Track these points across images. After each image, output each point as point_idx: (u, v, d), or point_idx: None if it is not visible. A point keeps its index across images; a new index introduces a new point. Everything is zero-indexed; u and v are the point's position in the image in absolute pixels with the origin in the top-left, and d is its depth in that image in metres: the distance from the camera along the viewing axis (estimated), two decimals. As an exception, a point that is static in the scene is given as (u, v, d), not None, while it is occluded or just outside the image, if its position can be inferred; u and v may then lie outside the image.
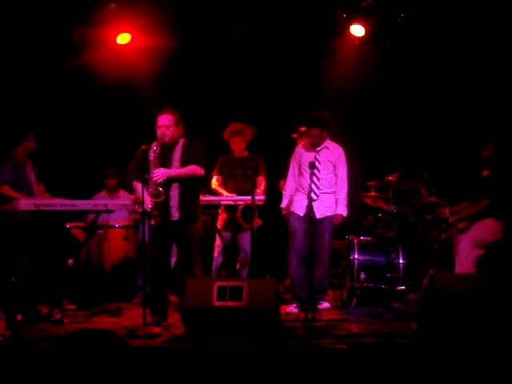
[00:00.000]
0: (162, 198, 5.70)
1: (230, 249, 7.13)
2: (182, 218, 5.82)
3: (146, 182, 5.74)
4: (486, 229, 6.47)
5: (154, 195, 5.69)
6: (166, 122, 5.78)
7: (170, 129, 5.79)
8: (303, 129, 6.72)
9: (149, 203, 5.72)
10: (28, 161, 7.14)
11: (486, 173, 6.65)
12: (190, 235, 5.90)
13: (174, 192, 5.79)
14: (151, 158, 5.74)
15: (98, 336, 3.97)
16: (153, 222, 5.78)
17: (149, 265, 5.97)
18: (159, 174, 5.69)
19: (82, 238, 7.17)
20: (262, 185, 7.06)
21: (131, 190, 6.54)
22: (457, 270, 6.37)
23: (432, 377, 4.55)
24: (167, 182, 5.76)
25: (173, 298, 6.63)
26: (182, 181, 5.80)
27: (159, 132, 5.78)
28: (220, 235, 7.10)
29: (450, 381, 4.54)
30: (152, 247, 5.94)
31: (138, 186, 5.89)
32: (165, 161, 5.79)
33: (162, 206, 5.75)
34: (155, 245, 5.90)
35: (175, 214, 5.80)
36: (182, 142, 5.90)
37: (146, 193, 5.73)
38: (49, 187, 7.42)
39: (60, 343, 3.94)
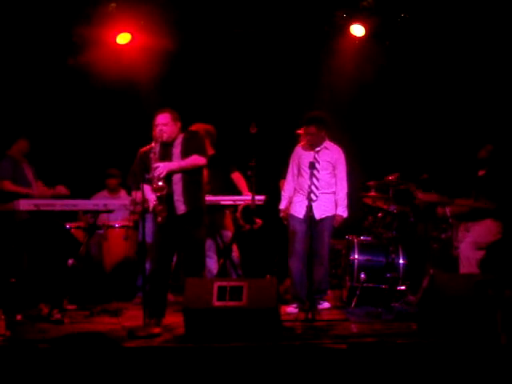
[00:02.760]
0: (165, 191, 5.62)
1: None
2: (189, 212, 5.70)
3: (148, 182, 5.71)
4: (484, 231, 6.48)
5: (156, 189, 5.61)
6: (163, 120, 5.75)
7: (168, 126, 5.74)
8: (301, 129, 6.72)
9: (152, 200, 5.67)
10: (24, 160, 7.17)
11: (481, 172, 6.67)
12: (197, 234, 5.77)
13: (177, 185, 5.70)
14: (151, 155, 5.68)
15: (91, 339, 3.98)
16: (159, 219, 5.64)
17: (151, 264, 5.95)
18: (160, 167, 5.62)
19: (82, 238, 7.17)
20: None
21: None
22: None
23: (432, 377, 4.55)
24: (169, 176, 5.68)
25: (171, 298, 6.64)
26: (185, 173, 5.72)
27: (157, 130, 5.74)
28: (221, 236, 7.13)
29: (449, 381, 4.54)
30: (156, 245, 5.86)
31: (144, 187, 5.83)
32: (165, 158, 5.73)
33: (167, 201, 5.65)
34: (160, 243, 5.81)
35: (181, 208, 5.69)
36: (180, 137, 5.84)
37: (148, 191, 5.66)
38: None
39: (55, 345, 3.95)
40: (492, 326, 5.02)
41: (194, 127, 6.93)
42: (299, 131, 6.94)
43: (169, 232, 5.75)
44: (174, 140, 5.81)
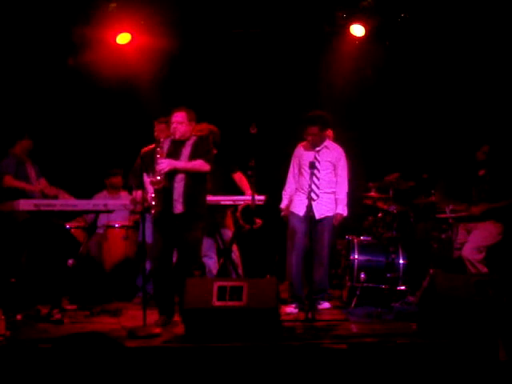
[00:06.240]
0: (162, 185, 5.62)
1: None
2: (187, 212, 5.70)
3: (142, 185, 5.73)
4: (485, 234, 6.49)
5: (153, 182, 5.63)
6: (178, 119, 5.80)
7: (183, 125, 5.79)
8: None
9: (150, 192, 5.68)
10: (27, 159, 7.18)
11: (481, 172, 6.67)
12: (191, 236, 5.74)
13: (179, 184, 5.71)
14: (158, 150, 5.67)
15: (93, 339, 3.98)
16: (152, 212, 5.64)
17: (151, 263, 5.95)
18: (164, 163, 5.63)
19: (82, 238, 7.17)
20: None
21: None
22: None
23: (432, 377, 4.55)
24: (173, 174, 5.70)
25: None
26: (188, 175, 5.74)
27: (171, 128, 5.80)
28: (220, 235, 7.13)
29: (449, 381, 4.55)
30: (154, 244, 5.85)
31: (145, 178, 5.86)
32: (174, 156, 5.76)
33: (164, 197, 5.66)
34: (158, 241, 5.80)
35: (178, 207, 5.69)
36: (192, 139, 5.87)
37: (148, 183, 5.68)
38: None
39: (57, 345, 3.95)
40: (491, 326, 5.03)
41: (198, 127, 6.95)
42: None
43: (166, 230, 5.76)
44: (186, 140, 5.84)
